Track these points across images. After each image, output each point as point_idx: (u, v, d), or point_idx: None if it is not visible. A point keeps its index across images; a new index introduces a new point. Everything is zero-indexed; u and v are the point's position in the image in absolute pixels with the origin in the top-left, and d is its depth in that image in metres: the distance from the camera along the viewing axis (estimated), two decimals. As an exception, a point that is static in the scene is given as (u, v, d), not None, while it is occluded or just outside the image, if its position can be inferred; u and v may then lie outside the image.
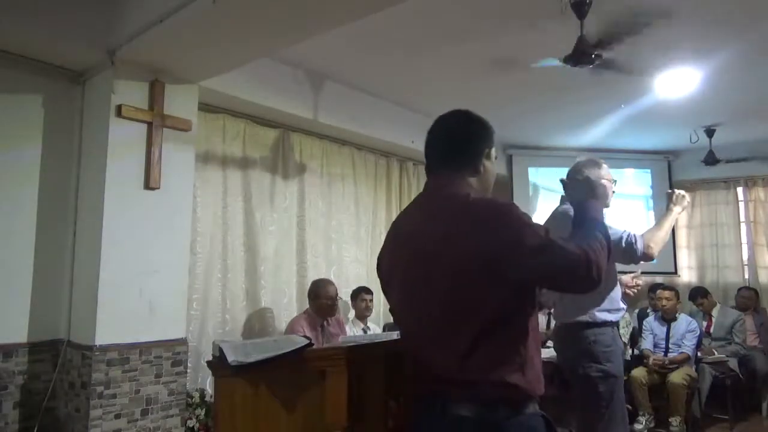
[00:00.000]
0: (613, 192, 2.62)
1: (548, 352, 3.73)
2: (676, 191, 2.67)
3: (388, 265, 1.60)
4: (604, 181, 2.53)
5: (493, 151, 1.57)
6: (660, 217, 2.67)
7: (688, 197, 2.69)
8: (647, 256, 2.45)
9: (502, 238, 1.32)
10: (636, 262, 2.50)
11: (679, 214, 2.68)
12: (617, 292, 2.61)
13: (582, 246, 1.35)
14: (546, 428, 1.38)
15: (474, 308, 1.35)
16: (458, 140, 1.54)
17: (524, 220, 1.35)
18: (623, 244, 2.41)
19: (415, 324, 1.48)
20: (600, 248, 1.38)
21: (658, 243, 2.49)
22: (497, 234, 1.32)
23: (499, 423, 1.31)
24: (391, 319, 5.07)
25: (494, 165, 1.58)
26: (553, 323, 4.89)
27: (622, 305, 2.65)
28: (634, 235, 2.43)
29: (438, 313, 1.39)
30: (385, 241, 1.65)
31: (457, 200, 1.43)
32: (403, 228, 1.57)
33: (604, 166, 2.61)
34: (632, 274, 2.84)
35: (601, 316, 2.53)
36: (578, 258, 1.32)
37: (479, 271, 1.33)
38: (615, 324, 2.61)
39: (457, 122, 1.57)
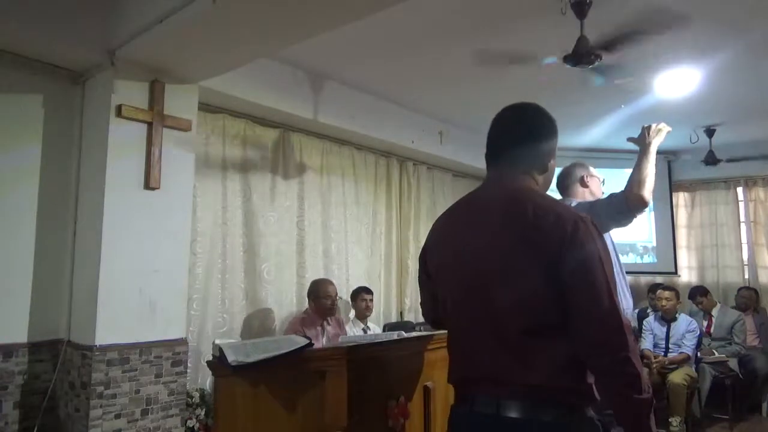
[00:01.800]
0: (603, 193, 2.67)
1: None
2: (653, 124, 2.46)
3: (439, 261, 1.54)
4: (594, 178, 2.66)
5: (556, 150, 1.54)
6: (640, 159, 2.37)
7: (667, 127, 2.47)
8: (634, 199, 2.22)
9: (573, 254, 1.28)
10: (628, 215, 2.28)
11: (656, 148, 2.42)
12: (624, 290, 2.59)
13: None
14: None
15: (529, 310, 1.31)
16: (535, 134, 1.50)
17: (593, 237, 1.32)
18: (609, 201, 2.31)
19: (469, 325, 1.42)
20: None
21: (641, 183, 2.25)
22: (568, 246, 1.29)
23: (556, 426, 1.28)
24: (391, 319, 5.08)
25: (555, 162, 1.55)
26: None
27: (629, 304, 2.61)
28: (612, 193, 2.33)
29: (494, 313, 1.35)
30: (435, 234, 1.59)
31: (524, 197, 1.39)
32: (460, 223, 1.51)
33: (590, 167, 2.72)
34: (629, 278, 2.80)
35: None
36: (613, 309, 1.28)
37: (536, 273, 1.30)
38: None
39: (534, 115, 1.53)
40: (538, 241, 1.31)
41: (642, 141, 2.45)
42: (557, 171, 2.55)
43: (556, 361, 1.29)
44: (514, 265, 1.33)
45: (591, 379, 1.33)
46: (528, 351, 1.30)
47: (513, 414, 1.29)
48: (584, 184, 2.66)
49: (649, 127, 2.48)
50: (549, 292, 1.29)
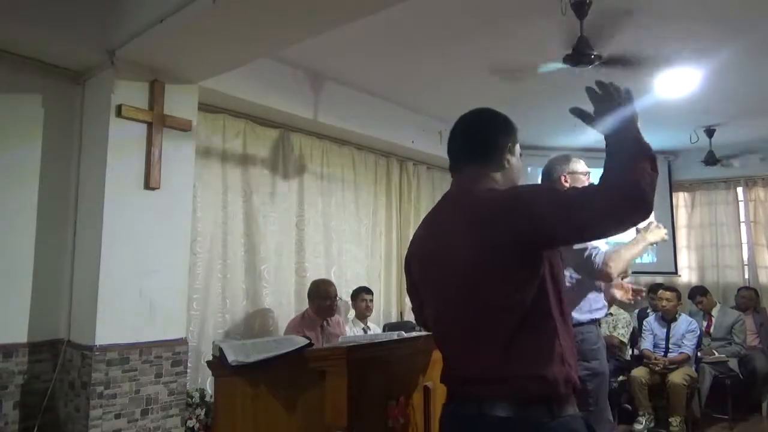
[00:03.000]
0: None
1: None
2: (654, 223, 2.51)
3: (417, 267, 1.59)
4: (576, 176, 2.52)
5: (518, 147, 1.56)
6: (630, 240, 2.50)
7: (664, 232, 2.52)
8: (603, 273, 2.32)
9: (528, 211, 1.28)
10: (593, 278, 2.42)
11: (648, 244, 2.51)
12: (597, 295, 2.59)
13: (621, 176, 1.22)
14: (587, 430, 1.35)
15: (504, 304, 1.33)
16: (480, 136, 1.54)
17: (542, 186, 1.34)
18: (584, 256, 2.35)
19: (448, 326, 1.46)
20: (645, 172, 1.22)
21: (617, 263, 2.34)
22: (521, 211, 1.29)
23: (541, 423, 1.28)
24: (391, 319, 5.08)
25: (519, 160, 1.57)
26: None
27: (603, 303, 2.61)
28: (598, 250, 2.36)
29: (470, 312, 1.37)
30: (412, 243, 1.64)
31: (480, 195, 1.42)
32: (431, 229, 1.56)
33: (575, 159, 2.58)
34: (628, 280, 2.80)
35: (584, 316, 2.49)
36: (621, 191, 1.20)
37: (505, 260, 1.31)
38: (598, 321, 2.59)
39: (477, 119, 1.57)
40: (496, 227, 1.32)
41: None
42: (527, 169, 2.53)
43: (536, 359, 1.31)
44: (478, 263, 1.35)
45: (573, 376, 1.34)
46: (507, 349, 1.31)
47: (498, 413, 1.30)
48: (563, 184, 2.48)
49: (650, 222, 2.50)
50: (521, 276, 1.31)
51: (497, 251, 1.31)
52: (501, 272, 1.32)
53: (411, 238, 1.69)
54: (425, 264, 1.54)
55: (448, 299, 1.44)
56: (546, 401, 1.30)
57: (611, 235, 1.32)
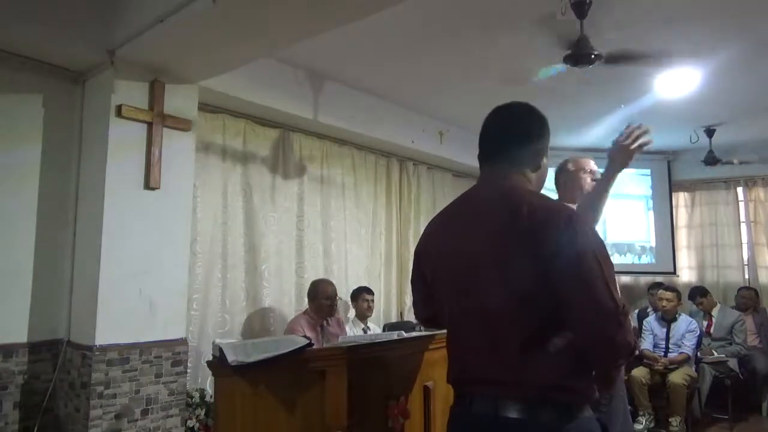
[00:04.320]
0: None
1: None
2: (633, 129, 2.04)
3: (433, 263, 1.54)
4: (585, 175, 2.45)
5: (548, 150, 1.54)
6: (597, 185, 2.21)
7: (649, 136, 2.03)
8: None
9: (558, 241, 1.27)
10: None
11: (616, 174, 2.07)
12: None
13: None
14: None
15: (525, 309, 1.31)
16: (526, 132, 1.50)
17: (588, 234, 1.30)
18: None
19: (465, 325, 1.43)
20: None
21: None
22: (554, 236, 1.27)
23: (555, 426, 1.27)
24: (391, 319, 5.08)
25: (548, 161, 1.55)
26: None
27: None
28: None
29: (491, 313, 1.35)
30: (428, 236, 1.59)
31: (518, 196, 1.38)
32: (455, 225, 1.51)
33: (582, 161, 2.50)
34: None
35: None
36: (615, 309, 1.24)
37: (530, 272, 1.29)
38: None
39: (524, 114, 1.53)
40: (531, 239, 1.30)
41: (615, 158, 2.06)
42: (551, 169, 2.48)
43: (553, 361, 1.29)
44: (509, 265, 1.33)
45: (589, 378, 1.33)
46: (525, 351, 1.29)
47: (511, 414, 1.29)
48: (576, 183, 2.44)
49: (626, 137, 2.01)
50: (544, 291, 1.28)
51: (534, 255, 1.29)
52: (534, 275, 1.29)
53: (423, 231, 1.63)
54: (444, 260, 1.49)
55: (470, 296, 1.40)
56: (560, 405, 1.28)
57: (583, 340, 1.30)
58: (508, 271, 1.32)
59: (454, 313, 1.47)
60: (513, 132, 1.51)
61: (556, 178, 2.65)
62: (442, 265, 1.51)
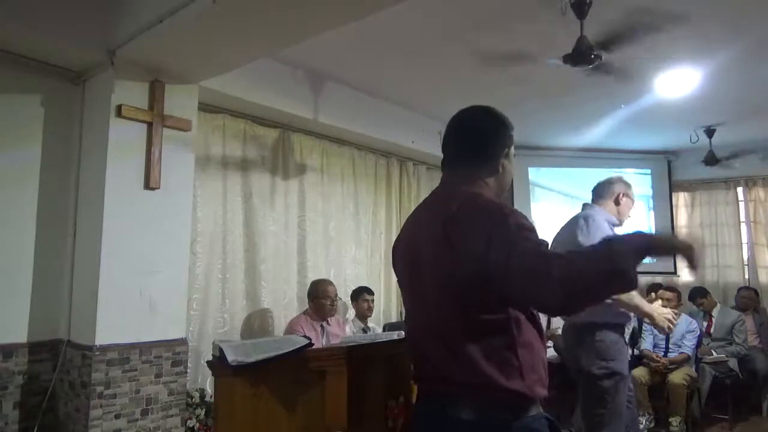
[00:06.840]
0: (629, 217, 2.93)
1: (549, 352, 3.75)
2: (666, 312, 2.71)
3: (399, 263, 1.58)
4: (628, 200, 2.89)
5: (512, 150, 1.52)
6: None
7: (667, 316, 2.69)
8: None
9: (485, 236, 1.25)
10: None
11: (638, 311, 2.69)
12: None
13: (561, 260, 1.20)
14: (550, 430, 1.34)
15: (464, 310, 1.31)
16: (478, 137, 1.49)
17: (513, 219, 1.27)
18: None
19: (417, 324, 1.47)
20: (582, 269, 1.19)
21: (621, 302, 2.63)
22: (482, 233, 1.26)
23: (501, 426, 1.27)
24: (391, 319, 5.09)
25: (512, 164, 1.53)
26: (552, 323, 4.91)
27: (622, 310, 2.69)
28: None
29: (434, 314, 1.38)
30: (397, 239, 1.64)
31: (454, 196, 1.39)
32: (411, 227, 1.55)
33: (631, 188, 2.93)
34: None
35: (608, 318, 2.63)
36: (544, 267, 1.18)
37: (465, 273, 1.29)
38: (621, 327, 2.71)
39: (477, 118, 1.53)
40: (455, 236, 1.30)
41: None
42: (604, 177, 2.70)
43: (496, 360, 1.29)
44: (445, 266, 1.34)
45: (533, 378, 1.31)
46: (469, 351, 1.30)
47: (458, 414, 1.30)
48: (617, 202, 2.86)
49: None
50: (482, 285, 1.27)
51: (467, 258, 1.28)
52: (467, 279, 1.29)
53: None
54: (400, 264, 1.56)
55: (416, 297, 1.46)
56: (507, 406, 1.29)
57: (518, 302, 1.29)
58: (446, 273, 1.34)
59: (409, 316, 1.53)
60: (466, 135, 1.52)
61: (598, 190, 2.90)
62: (400, 269, 1.57)
